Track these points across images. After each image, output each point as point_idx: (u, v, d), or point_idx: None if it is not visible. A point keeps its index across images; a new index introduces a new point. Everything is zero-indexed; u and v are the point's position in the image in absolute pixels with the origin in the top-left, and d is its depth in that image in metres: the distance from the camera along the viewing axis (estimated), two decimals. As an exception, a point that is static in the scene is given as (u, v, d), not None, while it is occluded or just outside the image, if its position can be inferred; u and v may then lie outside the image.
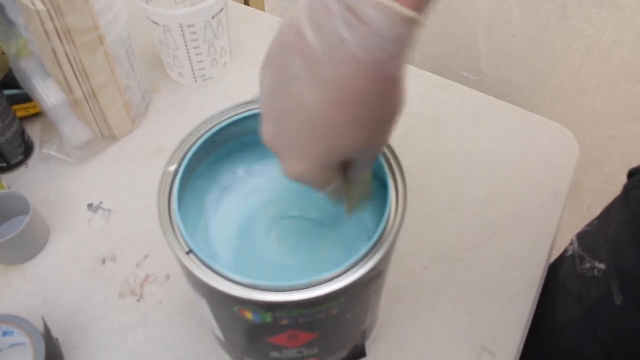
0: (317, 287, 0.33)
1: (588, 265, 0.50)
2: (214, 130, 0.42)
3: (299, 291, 0.33)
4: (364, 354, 0.50)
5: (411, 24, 0.26)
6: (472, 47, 0.97)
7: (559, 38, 0.85)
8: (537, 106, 0.96)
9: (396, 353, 0.50)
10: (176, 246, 0.36)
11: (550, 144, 0.66)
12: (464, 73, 1.01)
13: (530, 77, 0.93)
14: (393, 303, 0.53)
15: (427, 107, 0.70)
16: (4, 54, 0.65)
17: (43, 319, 0.48)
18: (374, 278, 0.36)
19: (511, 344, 0.51)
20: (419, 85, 0.73)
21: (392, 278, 0.54)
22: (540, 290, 0.55)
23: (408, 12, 0.25)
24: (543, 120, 0.68)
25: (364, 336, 0.48)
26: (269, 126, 0.31)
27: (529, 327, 0.53)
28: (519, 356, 0.51)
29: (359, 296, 0.37)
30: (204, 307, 0.41)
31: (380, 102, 0.28)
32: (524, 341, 0.52)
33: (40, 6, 0.49)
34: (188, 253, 0.36)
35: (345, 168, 0.34)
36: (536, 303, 0.54)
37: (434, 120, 0.69)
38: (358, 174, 0.35)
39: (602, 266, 0.48)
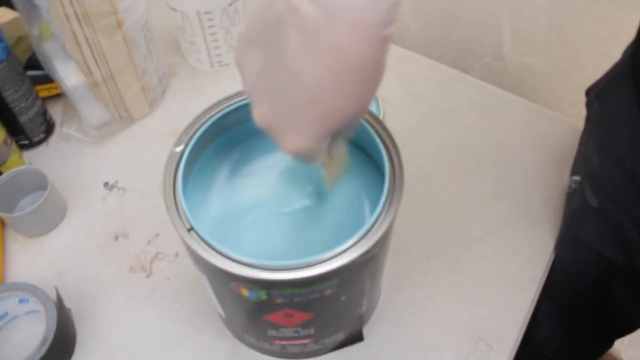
0: (309, 267, 0.34)
1: (569, 183, 0.56)
2: (221, 114, 0.43)
3: (292, 271, 0.34)
4: (361, 338, 0.51)
5: None
6: (495, 32, 0.96)
7: (583, 24, 0.83)
8: (559, 94, 0.94)
9: (394, 338, 0.51)
10: (178, 223, 0.38)
11: (561, 139, 0.66)
12: (487, 59, 1.00)
13: (553, 63, 0.92)
14: (394, 289, 0.54)
15: (439, 98, 0.71)
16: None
17: (56, 288, 0.51)
18: (366, 262, 0.37)
19: (509, 337, 0.52)
20: (431, 76, 0.73)
21: (394, 264, 0.55)
22: (542, 284, 0.56)
23: None
24: (555, 115, 0.68)
25: (361, 320, 0.49)
26: (263, 107, 0.31)
27: (527, 320, 0.53)
28: (515, 349, 0.52)
29: (352, 279, 0.38)
30: (205, 284, 0.42)
31: (373, 62, 0.29)
32: (522, 334, 0.52)
33: (61, -10, 0.51)
34: (189, 230, 0.37)
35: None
36: (537, 298, 0.55)
37: (445, 111, 0.69)
38: (339, 145, 0.36)
39: (578, 178, 0.53)
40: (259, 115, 0.32)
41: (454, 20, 0.97)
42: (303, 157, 0.33)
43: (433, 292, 0.54)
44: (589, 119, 0.54)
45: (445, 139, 0.67)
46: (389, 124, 0.67)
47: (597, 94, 0.51)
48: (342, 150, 0.38)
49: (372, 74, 0.29)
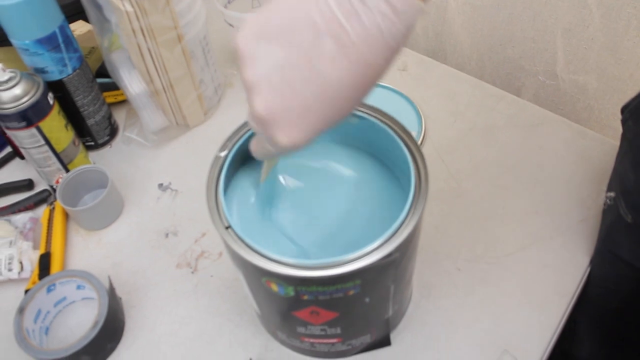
0: (333, 267, 0.37)
1: (604, 199, 0.57)
2: (263, 123, 0.47)
3: (316, 269, 0.37)
4: (388, 343, 0.53)
5: (422, 14, 0.31)
6: (549, 50, 0.96)
7: (639, 43, 0.83)
8: (613, 112, 0.93)
9: (421, 346, 0.53)
10: (217, 221, 0.41)
11: (602, 160, 0.66)
12: (540, 77, 1.00)
13: (607, 82, 0.91)
14: (424, 298, 0.56)
15: (481, 116, 0.72)
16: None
17: (109, 278, 0.56)
18: (388, 265, 0.40)
19: (535, 351, 0.52)
20: (474, 94, 0.75)
21: (425, 274, 0.57)
22: (574, 302, 0.56)
23: (424, 5, 0.30)
24: (597, 137, 0.68)
25: (388, 325, 0.51)
26: (271, 100, 0.33)
27: (556, 336, 0.54)
28: (542, 363, 0.52)
29: (375, 281, 0.41)
30: (241, 280, 0.46)
31: (384, 74, 0.32)
32: (549, 349, 0.53)
33: (129, 7, 0.57)
34: (227, 228, 0.41)
35: None
36: (567, 315, 0.55)
37: (486, 129, 0.71)
38: None
39: (612, 194, 0.54)
40: (265, 107, 0.33)
41: (507, 37, 0.98)
42: (285, 152, 0.35)
43: (462, 303, 0.56)
44: (624, 137, 0.54)
45: (484, 156, 0.68)
46: (430, 141, 0.69)
47: (631, 112, 0.52)
48: None
49: (376, 82, 0.33)
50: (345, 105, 0.33)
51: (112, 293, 0.55)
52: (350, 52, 0.30)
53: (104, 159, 0.72)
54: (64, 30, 0.61)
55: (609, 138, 0.69)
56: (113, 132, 0.74)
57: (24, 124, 0.59)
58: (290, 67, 0.32)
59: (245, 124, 0.47)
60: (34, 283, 0.58)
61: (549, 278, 0.57)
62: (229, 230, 0.41)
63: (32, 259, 0.61)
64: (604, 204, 0.57)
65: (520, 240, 0.60)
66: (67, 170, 0.65)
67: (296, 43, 0.32)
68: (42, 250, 0.61)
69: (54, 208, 0.65)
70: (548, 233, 0.60)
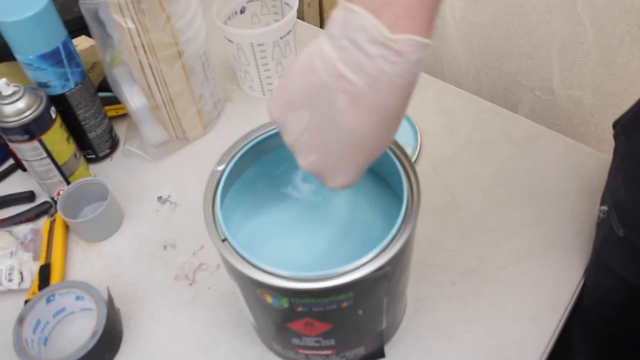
0: (326, 279, 0.38)
1: (598, 213, 0.58)
2: (260, 138, 0.48)
3: (310, 281, 0.38)
4: (382, 355, 0.53)
5: (428, 47, 0.32)
6: (545, 66, 0.97)
7: (632, 59, 0.84)
8: (608, 127, 0.94)
9: (414, 358, 0.54)
10: (214, 234, 0.42)
11: (596, 174, 0.67)
12: (536, 92, 1.02)
13: (602, 97, 0.92)
14: (418, 311, 0.57)
15: (476, 131, 0.73)
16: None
17: (108, 289, 0.56)
18: (381, 278, 0.40)
19: (528, 364, 0.53)
20: (469, 109, 0.76)
21: (419, 288, 0.58)
22: (566, 316, 0.56)
23: (427, 40, 0.32)
24: (592, 152, 0.69)
25: (382, 337, 0.52)
26: (310, 157, 0.37)
27: (549, 349, 0.54)
28: (535, 377, 0.53)
29: (368, 294, 0.42)
30: (238, 292, 0.47)
31: (404, 108, 0.35)
32: (542, 362, 0.54)
33: (131, 24, 0.58)
34: (223, 241, 0.42)
35: None
36: (560, 328, 0.56)
37: (481, 144, 0.72)
38: None
39: (605, 208, 0.55)
40: (308, 164, 0.38)
41: (504, 53, 0.99)
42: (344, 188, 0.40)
43: (455, 317, 0.56)
44: (616, 151, 0.55)
45: (479, 171, 0.69)
46: (425, 155, 0.70)
47: (623, 127, 0.53)
48: None
49: (400, 117, 0.35)
50: (377, 145, 0.36)
51: (110, 304, 0.56)
52: (363, 100, 0.33)
53: (105, 172, 0.73)
54: (67, 45, 0.62)
55: (606, 153, 0.69)
56: (114, 145, 0.75)
57: (26, 137, 0.60)
58: (316, 127, 0.36)
59: (242, 139, 0.48)
60: (33, 294, 0.59)
61: (543, 291, 0.57)
62: (225, 242, 0.42)
63: (32, 269, 0.61)
64: (598, 217, 0.58)
65: (514, 254, 0.60)
66: (68, 183, 0.66)
67: (315, 105, 0.35)
68: (42, 262, 0.62)
69: (54, 220, 0.66)
70: (542, 247, 0.61)
